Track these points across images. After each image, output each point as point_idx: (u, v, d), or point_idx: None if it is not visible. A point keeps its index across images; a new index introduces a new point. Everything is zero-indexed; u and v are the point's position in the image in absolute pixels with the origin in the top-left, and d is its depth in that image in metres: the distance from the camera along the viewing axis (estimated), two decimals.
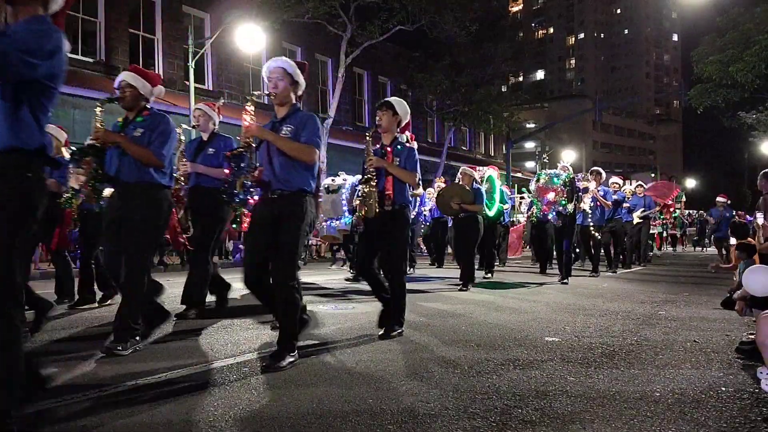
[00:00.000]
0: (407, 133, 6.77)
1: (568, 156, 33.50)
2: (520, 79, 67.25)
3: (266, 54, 19.15)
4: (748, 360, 3.71)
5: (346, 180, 8.96)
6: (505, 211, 12.05)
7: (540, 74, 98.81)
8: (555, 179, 8.94)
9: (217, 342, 4.26)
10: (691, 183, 54.32)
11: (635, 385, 3.20)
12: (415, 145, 6.83)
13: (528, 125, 46.10)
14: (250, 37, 14.40)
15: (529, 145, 46.90)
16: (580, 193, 9.48)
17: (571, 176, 9.07)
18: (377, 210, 4.41)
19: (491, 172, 9.35)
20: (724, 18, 23.54)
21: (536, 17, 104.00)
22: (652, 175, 43.75)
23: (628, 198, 12.74)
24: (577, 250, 12.33)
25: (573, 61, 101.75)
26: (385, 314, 4.59)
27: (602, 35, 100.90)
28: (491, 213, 8.92)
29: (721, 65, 22.17)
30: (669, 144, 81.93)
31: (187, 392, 3.01)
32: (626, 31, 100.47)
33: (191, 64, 13.97)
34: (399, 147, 4.65)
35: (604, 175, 10.87)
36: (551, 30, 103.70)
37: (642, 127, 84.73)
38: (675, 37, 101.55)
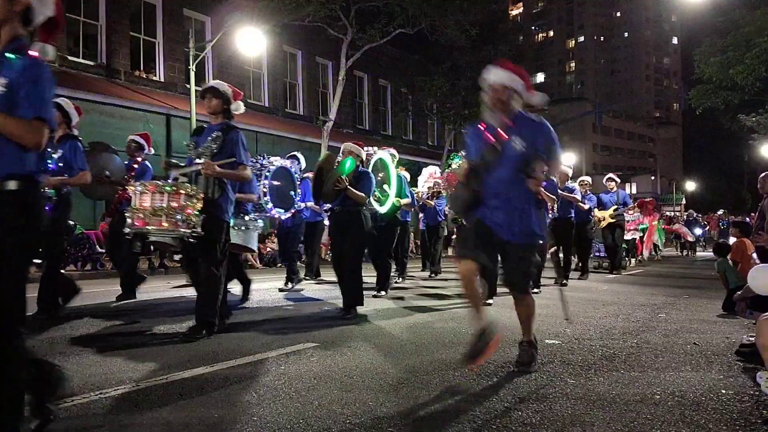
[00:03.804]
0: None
1: (569, 159, 33.47)
2: None
3: (267, 57, 19.22)
4: (748, 363, 3.71)
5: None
6: (439, 208, 9.76)
7: (540, 77, 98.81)
8: None
9: (217, 344, 4.26)
10: (691, 186, 54.33)
11: (635, 387, 3.20)
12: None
13: None
14: (250, 41, 14.41)
15: None
16: None
17: None
18: None
19: (383, 154, 6.97)
20: (725, 19, 23.56)
21: (536, 20, 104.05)
22: (653, 178, 43.64)
23: (584, 192, 10.04)
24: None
25: (573, 65, 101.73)
26: None
27: (602, 38, 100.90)
28: (383, 209, 6.73)
29: (722, 67, 22.18)
30: (669, 147, 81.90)
31: (186, 394, 3.01)
32: (626, 35, 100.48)
33: (192, 68, 13.95)
34: (13, 59, 2.11)
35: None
36: (551, 33, 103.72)
37: (642, 130, 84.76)
38: (675, 40, 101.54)
